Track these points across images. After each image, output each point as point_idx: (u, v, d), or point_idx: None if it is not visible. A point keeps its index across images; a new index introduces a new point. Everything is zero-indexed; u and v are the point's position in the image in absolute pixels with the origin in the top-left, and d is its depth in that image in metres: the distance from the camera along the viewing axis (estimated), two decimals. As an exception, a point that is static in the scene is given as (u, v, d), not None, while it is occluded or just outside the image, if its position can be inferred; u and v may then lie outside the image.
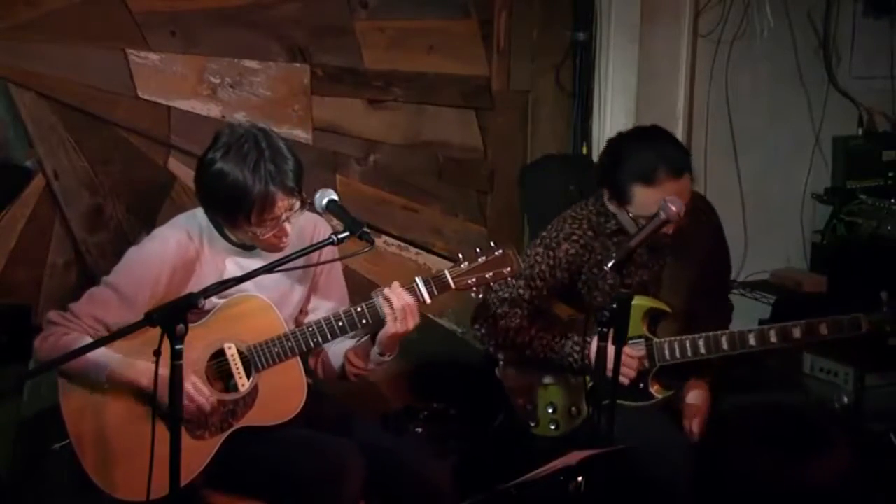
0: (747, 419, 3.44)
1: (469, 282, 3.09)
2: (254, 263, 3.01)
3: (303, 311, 3.30)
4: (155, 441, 2.67)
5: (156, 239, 3.14)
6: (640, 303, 3.42)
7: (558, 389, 3.53)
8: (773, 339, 3.33)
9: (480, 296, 3.15)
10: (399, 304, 3.03)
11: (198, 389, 2.98)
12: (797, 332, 3.32)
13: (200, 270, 3.10)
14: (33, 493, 3.68)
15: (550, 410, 3.54)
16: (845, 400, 4.37)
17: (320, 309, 3.28)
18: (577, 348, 3.37)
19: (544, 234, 3.53)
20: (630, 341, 3.38)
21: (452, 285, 3.08)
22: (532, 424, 3.56)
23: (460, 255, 3.12)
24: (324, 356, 3.31)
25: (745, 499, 3.34)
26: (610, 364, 2.98)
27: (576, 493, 2.92)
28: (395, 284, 3.06)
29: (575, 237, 3.46)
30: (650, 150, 3.31)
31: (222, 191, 2.99)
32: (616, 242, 3.43)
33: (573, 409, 3.50)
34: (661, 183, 3.24)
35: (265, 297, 3.10)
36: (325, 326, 3.08)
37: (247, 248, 3.14)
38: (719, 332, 3.35)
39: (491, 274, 3.09)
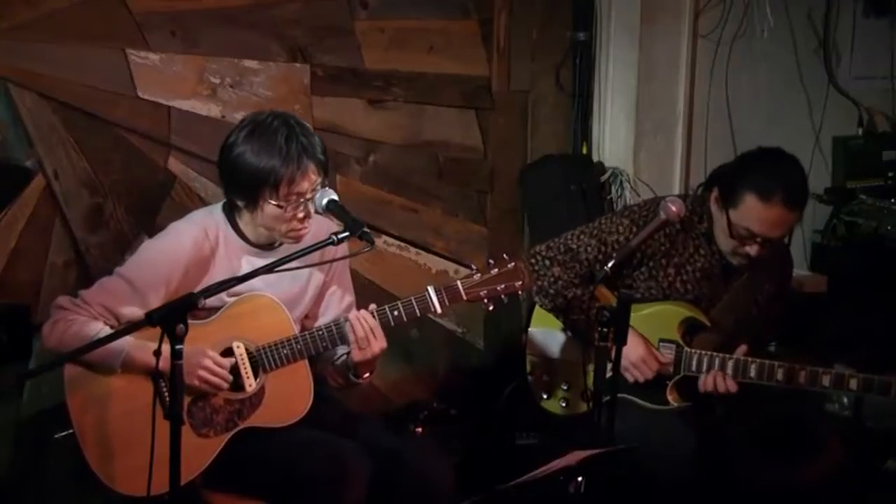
0: (746, 422, 3.46)
1: (481, 293, 3.10)
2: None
3: (309, 316, 3.29)
4: (159, 438, 2.66)
5: (172, 233, 3.13)
6: (678, 309, 3.42)
7: (577, 370, 3.52)
8: (802, 380, 3.31)
9: (491, 308, 3.14)
10: (361, 332, 3.05)
11: (218, 363, 2.99)
12: (826, 381, 3.31)
13: (214, 269, 3.10)
14: (34, 492, 3.68)
15: (564, 387, 3.54)
16: (845, 401, 4.37)
17: (329, 313, 3.28)
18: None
19: (635, 208, 3.53)
20: (661, 343, 3.38)
21: (464, 296, 3.09)
22: (544, 396, 3.56)
23: (473, 266, 3.13)
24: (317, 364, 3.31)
25: (744, 499, 3.36)
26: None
27: (576, 493, 2.92)
28: (359, 312, 3.07)
29: None
30: (780, 171, 3.33)
31: (253, 164, 2.99)
32: (697, 245, 3.44)
33: (585, 393, 3.50)
34: (773, 205, 3.25)
35: (277, 300, 3.10)
36: (334, 331, 3.08)
37: (262, 248, 3.14)
38: (749, 359, 3.33)
39: (503, 286, 3.10)
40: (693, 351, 3.38)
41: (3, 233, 3.87)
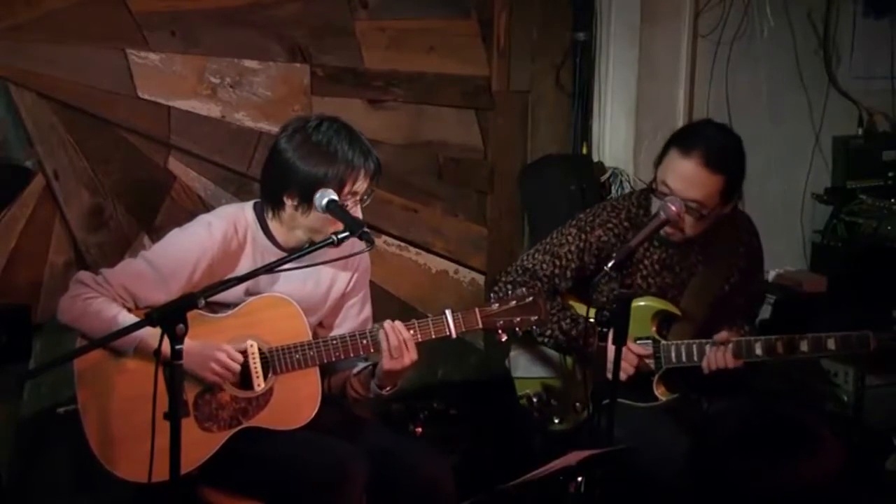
0: (738, 420, 3.46)
1: (497, 323, 3.13)
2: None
3: (324, 325, 3.29)
4: (160, 428, 2.63)
5: (202, 224, 3.11)
6: (650, 303, 3.42)
7: (563, 383, 3.53)
8: (780, 350, 3.34)
9: (504, 338, 3.16)
10: (395, 342, 3.05)
11: (232, 357, 2.99)
12: (804, 346, 3.34)
13: (240, 266, 3.09)
14: (33, 491, 3.68)
15: (555, 402, 3.54)
16: (846, 400, 4.37)
17: (345, 326, 3.28)
18: (588, 335, 3.36)
19: (581, 216, 3.53)
20: (638, 341, 3.39)
21: (480, 324, 3.12)
22: (536, 415, 3.56)
23: (491, 296, 3.21)
24: (335, 374, 3.30)
25: (741, 499, 3.36)
26: (610, 364, 2.99)
27: (576, 493, 2.92)
28: (394, 323, 3.08)
29: (610, 225, 3.46)
30: (706, 132, 3.38)
31: (320, 154, 3.02)
32: (650, 238, 3.43)
33: (577, 404, 3.50)
34: (689, 159, 3.27)
35: (296, 304, 3.10)
36: (348, 342, 3.09)
37: (289, 252, 3.12)
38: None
39: (518, 319, 3.13)
40: (670, 343, 3.40)
41: (3, 233, 3.87)
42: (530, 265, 3.50)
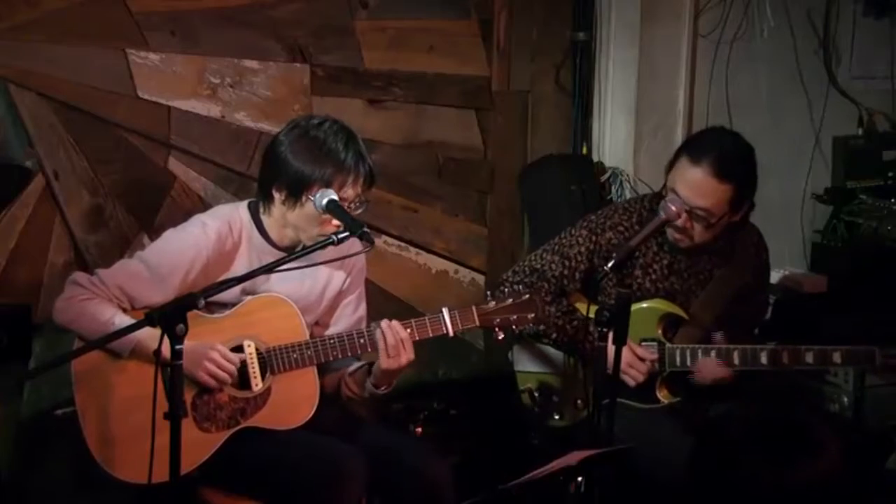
0: (742, 423, 3.46)
1: (493, 321, 3.13)
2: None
3: (320, 324, 3.29)
4: (159, 428, 2.63)
5: (197, 224, 3.12)
6: (657, 305, 3.43)
7: (565, 380, 3.53)
8: (786, 360, 3.35)
9: (501, 336, 3.17)
10: (392, 341, 3.05)
11: (226, 357, 2.99)
12: (809, 357, 3.35)
13: (235, 266, 3.10)
14: (33, 491, 3.68)
15: (556, 399, 3.54)
16: (845, 401, 4.37)
17: (340, 324, 3.28)
18: (591, 337, 3.36)
19: (592, 217, 3.53)
20: (643, 343, 3.39)
21: (477, 322, 3.13)
22: (536, 410, 3.56)
23: (488, 294, 3.19)
24: (329, 373, 3.29)
25: (742, 500, 3.36)
26: (610, 364, 2.98)
27: (576, 493, 2.92)
28: (391, 322, 3.08)
29: (621, 228, 3.46)
30: (716, 141, 3.37)
31: (307, 160, 3.02)
32: (661, 244, 3.44)
33: (579, 401, 3.50)
34: (699, 168, 3.26)
35: (293, 304, 3.11)
36: (346, 341, 3.09)
37: (284, 251, 3.12)
38: (732, 346, 3.36)
39: (515, 317, 3.14)
40: (675, 346, 3.40)
41: (3, 233, 3.87)
42: (539, 265, 3.50)
